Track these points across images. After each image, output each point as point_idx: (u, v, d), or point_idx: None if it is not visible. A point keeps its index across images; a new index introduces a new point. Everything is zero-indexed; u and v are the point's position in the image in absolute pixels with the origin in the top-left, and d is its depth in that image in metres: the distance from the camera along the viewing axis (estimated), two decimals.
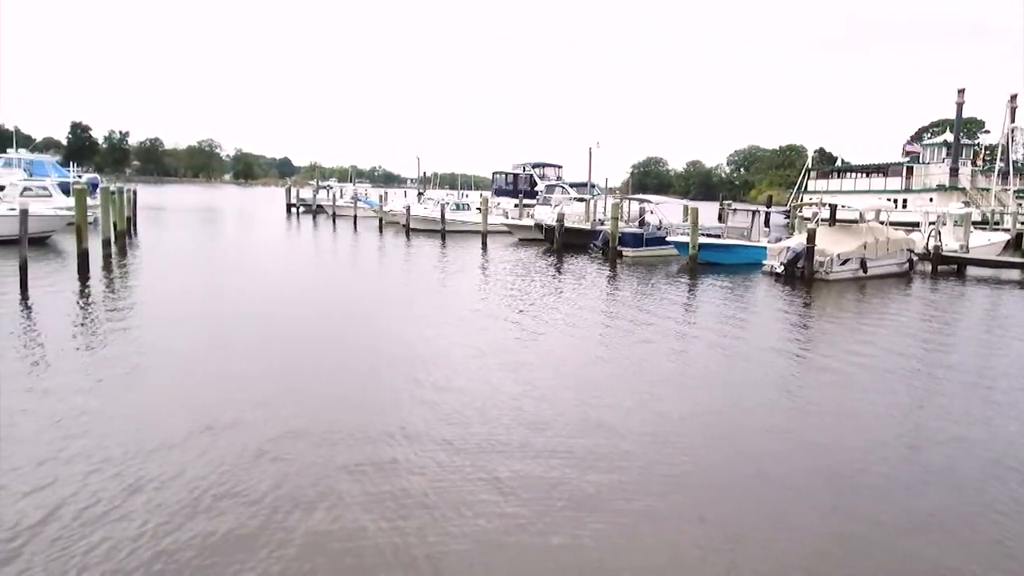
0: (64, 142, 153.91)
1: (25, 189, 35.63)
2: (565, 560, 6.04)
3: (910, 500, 7.43)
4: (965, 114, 59.22)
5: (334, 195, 58.91)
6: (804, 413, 10.21)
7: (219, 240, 38.29)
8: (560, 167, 60.79)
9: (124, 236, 29.41)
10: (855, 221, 28.10)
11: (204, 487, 7.00)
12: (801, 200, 52.21)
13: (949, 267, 27.88)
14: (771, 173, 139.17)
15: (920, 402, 10.90)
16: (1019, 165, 49.82)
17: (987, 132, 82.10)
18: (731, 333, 15.56)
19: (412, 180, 77.49)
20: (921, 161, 57.77)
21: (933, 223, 30.13)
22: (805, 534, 6.66)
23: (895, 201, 50.22)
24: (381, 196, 52.70)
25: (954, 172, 53.77)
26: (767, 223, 32.97)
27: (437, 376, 11.24)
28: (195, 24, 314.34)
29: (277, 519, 6.47)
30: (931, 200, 49.71)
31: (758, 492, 7.49)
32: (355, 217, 48.32)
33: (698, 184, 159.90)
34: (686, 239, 27.54)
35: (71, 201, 26.76)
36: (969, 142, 60.27)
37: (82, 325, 14.45)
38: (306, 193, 66.31)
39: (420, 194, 59.06)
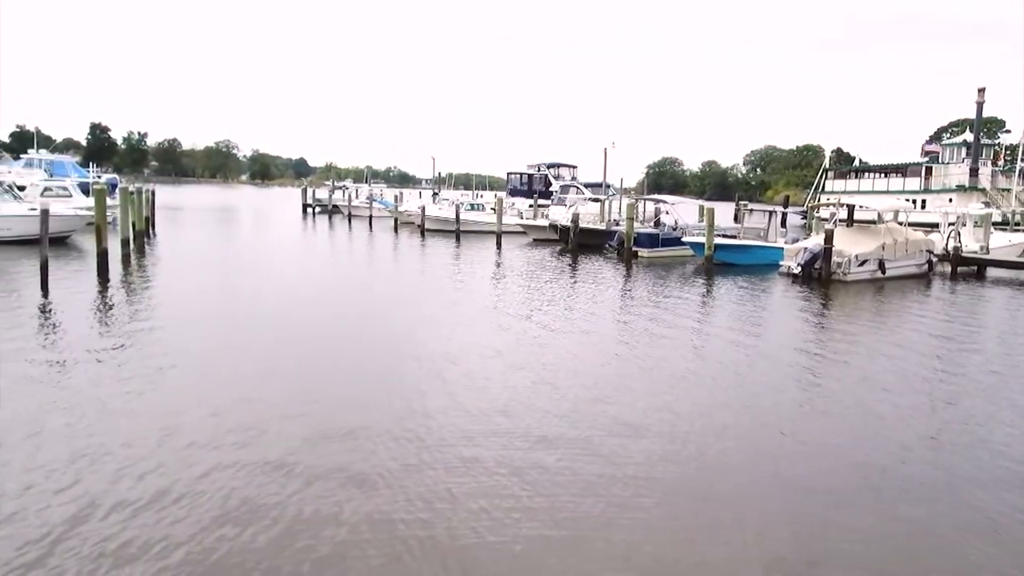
0: (84, 143, 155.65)
1: (46, 189, 36.10)
2: (590, 556, 6.04)
3: (933, 502, 7.35)
4: (985, 113, 58.49)
5: (349, 195, 59.21)
6: (823, 414, 10.13)
7: (236, 240, 38.56)
8: (575, 167, 60.73)
9: (143, 236, 29.78)
10: (873, 222, 27.86)
11: (231, 486, 7.03)
12: (818, 200, 51.84)
13: (969, 268, 27.56)
14: (788, 173, 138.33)
15: (942, 404, 10.77)
16: None
17: (1008, 132, 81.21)
18: (748, 334, 15.46)
19: (427, 180, 77.81)
20: (940, 161, 57.11)
21: (953, 224, 29.79)
22: (824, 535, 6.59)
23: (914, 201, 49.75)
24: (396, 196, 52.95)
25: (974, 172, 53.13)
26: (784, 224, 32.80)
27: (457, 375, 11.26)
28: (213, 26, 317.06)
29: (305, 516, 6.51)
30: (951, 200, 49.17)
31: (777, 493, 7.44)
32: (370, 217, 48.51)
33: (714, 184, 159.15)
34: (702, 239, 27.41)
35: (91, 201, 27.06)
36: (989, 142, 59.52)
37: (103, 324, 14.58)
38: (322, 193, 66.66)
39: (435, 194, 59.23)
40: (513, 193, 55.19)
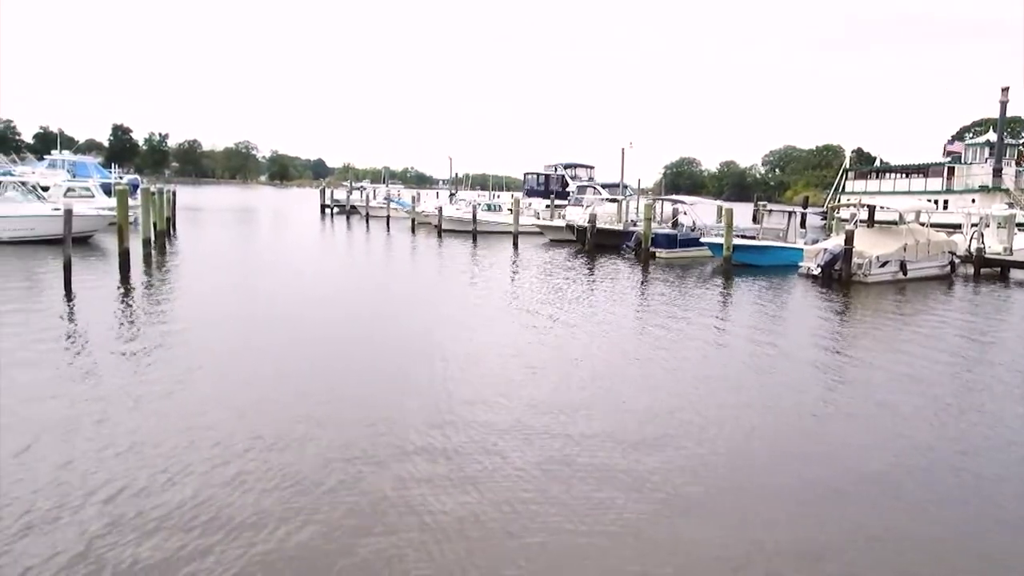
0: (106, 144, 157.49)
1: (69, 190, 36.58)
2: (617, 554, 6.04)
3: (961, 504, 7.27)
4: (1009, 113, 57.62)
5: (367, 196, 59.42)
6: (847, 415, 10.03)
7: (255, 240, 38.87)
8: (592, 168, 60.58)
9: (164, 236, 30.04)
10: (894, 222, 27.54)
11: (260, 487, 7.07)
12: (838, 201, 51.34)
13: (992, 270, 27.18)
14: (807, 173, 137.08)
15: (967, 406, 10.63)
16: None
17: None
18: (769, 335, 15.35)
19: (444, 181, 78.07)
20: (963, 161, 56.33)
21: (975, 225, 29.37)
22: (852, 536, 6.53)
23: (936, 202, 49.10)
24: (413, 197, 53.01)
25: (997, 172, 52.34)
26: (803, 224, 32.46)
27: (479, 375, 11.31)
28: (233, 29, 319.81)
29: (336, 514, 6.57)
30: (973, 201, 48.48)
31: (804, 494, 7.40)
32: (388, 218, 48.68)
33: (732, 185, 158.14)
34: (720, 240, 27.25)
35: (113, 201, 27.34)
36: (1013, 142, 58.56)
37: (126, 324, 14.73)
38: (340, 194, 66.96)
39: (452, 195, 59.31)
40: (530, 194, 55.19)
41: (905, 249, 24.64)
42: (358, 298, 19.36)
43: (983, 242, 27.34)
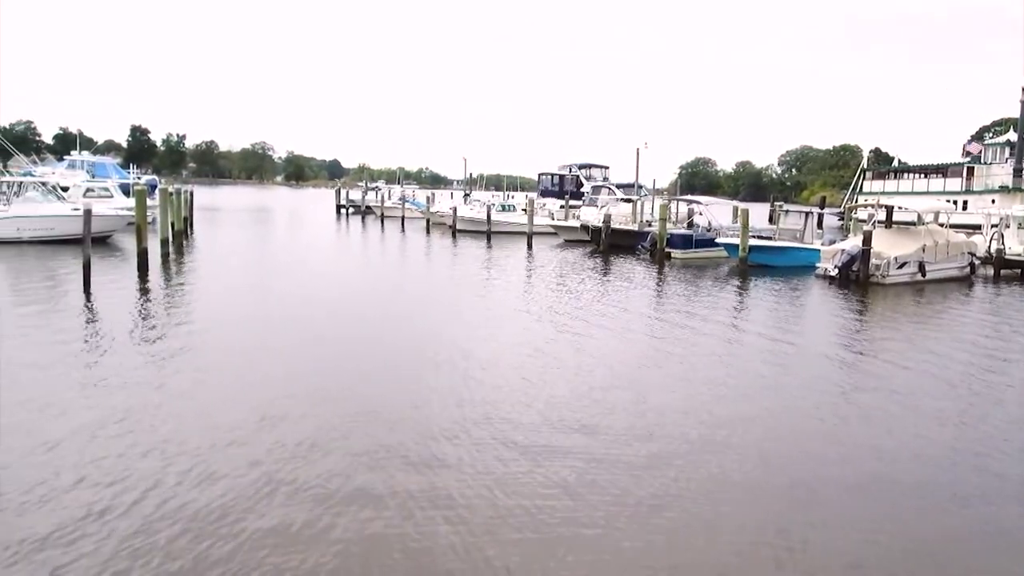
0: (124, 144, 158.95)
1: (88, 190, 37.02)
2: (631, 560, 6.03)
3: (987, 506, 7.21)
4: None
5: (382, 196, 59.62)
6: (868, 418, 9.92)
7: (272, 240, 39.11)
8: (607, 168, 60.48)
9: (181, 236, 30.35)
10: (913, 223, 27.28)
11: (275, 483, 7.11)
12: (856, 201, 50.92)
13: (1013, 271, 26.81)
14: (824, 174, 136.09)
15: (988, 408, 10.50)
16: None
17: None
18: (786, 336, 15.24)
19: (458, 181, 78.20)
20: (982, 161, 55.65)
21: (996, 225, 29.00)
22: (874, 539, 6.46)
23: (955, 202, 48.56)
24: (428, 197, 53.17)
25: (1018, 173, 51.63)
26: (820, 225, 32.23)
27: (496, 375, 11.30)
28: (249, 31, 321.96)
29: (349, 513, 6.60)
30: (993, 202, 47.89)
31: (825, 495, 7.34)
32: (403, 218, 48.85)
33: (747, 185, 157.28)
34: (736, 241, 27.10)
35: (131, 202, 27.65)
36: None
37: (145, 324, 14.83)
38: (355, 194, 67.27)
39: (466, 195, 59.41)
40: (544, 194, 55.19)
41: (924, 250, 24.39)
42: (374, 299, 19.42)
43: (1003, 243, 26.99)
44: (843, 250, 24.45)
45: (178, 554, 5.80)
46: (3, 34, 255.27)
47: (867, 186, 64.12)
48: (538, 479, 7.47)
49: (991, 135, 73.54)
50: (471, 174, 75.78)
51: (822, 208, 43.02)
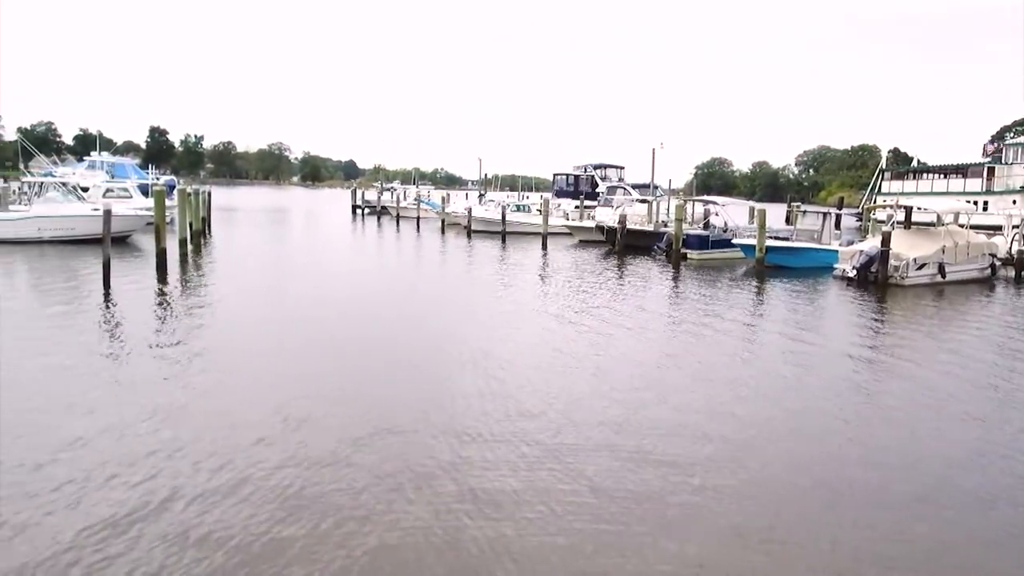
0: (143, 145, 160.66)
1: (107, 190, 37.43)
2: (656, 558, 6.03)
3: (1009, 507, 7.14)
4: None
5: (398, 197, 59.83)
6: (890, 420, 9.82)
7: (288, 240, 39.32)
8: (622, 168, 60.21)
9: (199, 235, 30.59)
10: (932, 224, 26.97)
11: (301, 483, 7.15)
12: (874, 202, 50.43)
13: None
14: (842, 174, 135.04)
15: (1013, 411, 10.36)
16: None
17: None
18: (804, 337, 15.12)
19: (473, 182, 78.21)
20: (1004, 161, 54.91)
21: (1017, 226, 28.62)
22: (899, 542, 6.41)
23: (975, 203, 47.97)
24: (443, 198, 53.23)
25: None
26: (838, 225, 31.94)
27: (514, 376, 11.28)
28: (267, 32, 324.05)
29: (369, 509, 6.64)
30: (1014, 202, 47.25)
31: (848, 497, 7.29)
32: (418, 218, 48.95)
33: (764, 185, 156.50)
34: (753, 241, 26.92)
35: (150, 202, 27.92)
36: None
37: (165, 323, 14.95)
38: (371, 195, 67.54)
39: (481, 196, 59.43)
40: (559, 194, 55.04)
41: (944, 251, 24.10)
42: (391, 299, 19.45)
43: None
44: (861, 251, 24.22)
45: (207, 554, 5.83)
46: (25, 37, 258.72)
47: (886, 186, 63.44)
48: (562, 478, 7.47)
49: (1012, 135, 72.64)
50: (486, 174, 75.82)
51: (840, 209, 42.57)
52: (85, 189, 35.32)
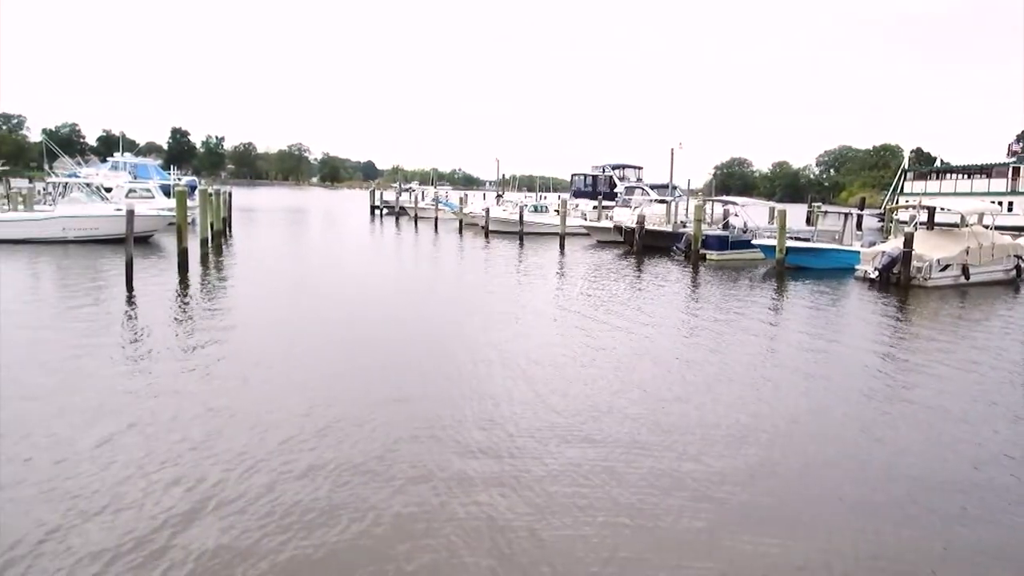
0: (165, 146, 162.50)
1: (130, 191, 37.83)
2: (677, 554, 6.05)
3: None
4: None
5: (416, 197, 60.03)
6: (913, 423, 9.71)
7: (308, 240, 39.58)
8: (640, 168, 60.02)
9: (220, 236, 30.89)
10: (956, 225, 26.59)
11: (329, 484, 7.18)
12: (897, 202, 49.84)
13: None
14: (864, 174, 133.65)
15: None
16: None
17: None
18: (825, 339, 14.98)
19: (491, 182, 78.22)
20: None
21: None
22: (911, 545, 6.34)
23: (1000, 203, 47.27)
24: (461, 198, 53.33)
25: None
26: (859, 226, 31.58)
27: (536, 374, 11.29)
28: (287, 34, 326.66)
29: (398, 509, 6.68)
30: None
31: (862, 500, 7.21)
32: (436, 219, 49.05)
33: (784, 186, 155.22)
34: (773, 242, 26.71)
35: (172, 202, 28.20)
36: None
37: (188, 323, 15.07)
38: (389, 196, 67.79)
39: (499, 196, 59.45)
40: (577, 195, 54.91)
41: (967, 252, 23.76)
42: (410, 300, 19.50)
43: None
44: (883, 252, 23.96)
45: (232, 548, 5.88)
46: (50, 40, 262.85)
47: (908, 187, 62.77)
48: (579, 479, 7.47)
49: None
50: (504, 175, 75.90)
51: (862, 209, 42.14)
52: (108, 190, 35.74)
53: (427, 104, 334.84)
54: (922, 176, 64.99)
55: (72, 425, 8.50)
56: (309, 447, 8.06)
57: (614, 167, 58.68)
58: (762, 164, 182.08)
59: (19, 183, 44.73)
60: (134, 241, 19.10)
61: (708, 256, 29.55)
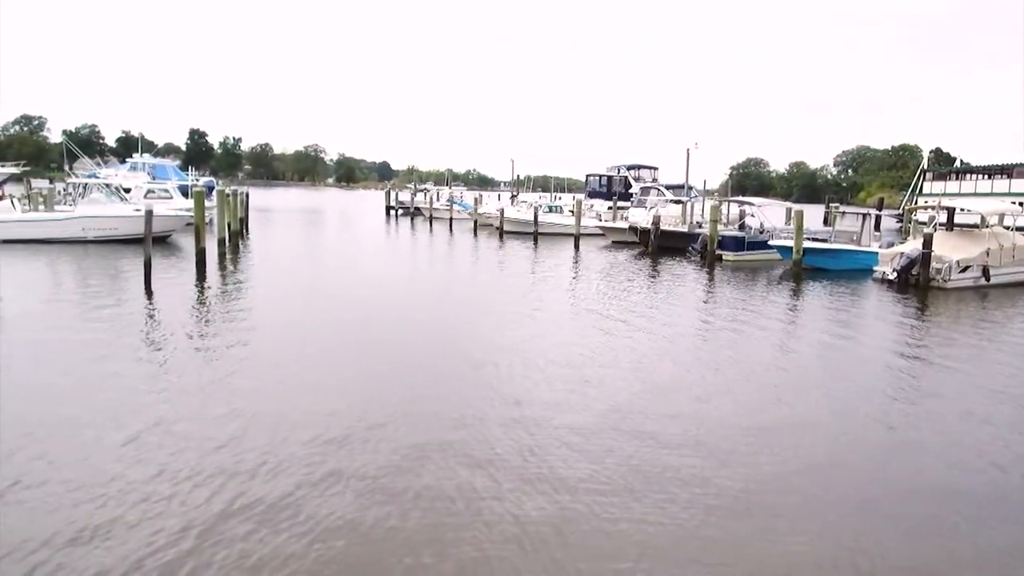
0: (183, 147, 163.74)
1: (149, 191, 38.22)
2: (696, 561, 6.02)
3: None
4: None
5: (431, 198, 60.16)
6: (934, 426, 9.62)
7: (324, 240, 39.77)
8: (656, 168, 59.80)
9: (238, 236, 31.09)
10: (976, 226, 26.27)
11: (346, 479, 7.23)
12: (916, 203, 49.36)
13: None
14: (882, 174, 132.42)
15: None
16: None
17: None
18: (845, 341, 14.88)
19: (506, 183, 78.34)
20: None
21: None
22: (941, 548, 6.30)
23: (1021, 204, 46.65)
24: (475, 199, 53.37)
25: None
26: (878, 227, 31.28)
27: (552, 377, 11.25)
28: (304, 36, 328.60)
29: (419, 509, 6.68)
30: None
31: (894, 503, 7.18)
32: (451, 219, 49.13)
33: (801, 186, 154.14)
34: (790, 243, 26.52)
35: (190, 203, 28.42)
36: None
37: (206, 323, 15.16)
38: (404, 196, 67.97)
39: (513, 197, 59.45)
40: (592, 195, 54.78)
41: (988, 254, 23.47)
42: (426, 300, 19.52)
43: None
44: (902, 253, 23.71)
45: (254, 546, 5.92)
46: (71, 42, 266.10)
47: (928, 187, 62.13)
48: (602, 479, 7.48)
49: None
50: (518, 175, 75.97)
51: (880, 210, 41.79)
52: (127, 190, 36.07)
53: (442, 105, 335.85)
54: (941, 176, 64.31)
55: (93, 422, 8.58)
56: (334, 448, 8.05)
57: (629, 167, 58.49)
58: (779, 164, 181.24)
59: (40, 183, 45.16)
60: (152, 241, 19.26)
61: (724, 257, 29.39)
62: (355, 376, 11.04)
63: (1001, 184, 55.11)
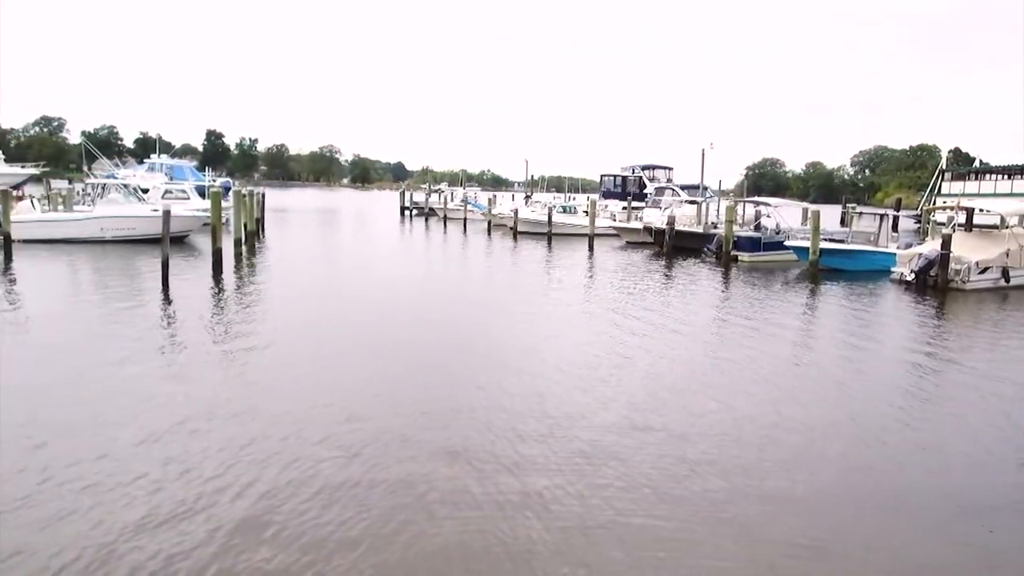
0: (200, 148, 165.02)
1: (166, 192, 38.56)
2: (715, 564, 5.98)
3: None
4: None
5: (445, 198, 60.26)
6: (955, 428, 9.55)
7: (339, 241, 39.94)
8: (670, 169, 59.54)
9: (254, 236, 31.28)
10: (996, 226, 25.96)
11: (365, 482, 7.24)
12: (934, 203, 48.83)
13: None
14: (900, 175, 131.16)
15: None
16: None
17: None
18: (862, 342, 14.75)
19: (520, 183, 78.38)
20: None
21: None
22: (959, 551, 6.22)
23: None
24: (490, 199, 53.40)
25: None
26: (895, 227, 30.98)
27: (569, 378, 11.24)
28: (320, 38, 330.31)
29: (443, 511, 6.69)
30: None
31: (915, 505, 7.14)
32: (465, 220, 49.19)
33: (818, 186, 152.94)
34: (806, 243, 26.33)
35: (207, 203, 28.67)
36: None
37: (222, 323, 15.26)
38: (419, 197, 68.14)
39: (527, 197, 59.43)
40: (606, 195, 54.65)
41: (1008, 255, 23.18)
42: (440, 301, 19.53)
43: None
44: (920, 254, 23.48)
45: (280, 547, 5.95)
46: (90, 45, 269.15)
47: (946, 187, 61.42)
48: (623, 480, 7.46)
49: None
50: (532, 176, 75.96)
51: (898, 210, 41.37)
52: (145, 191, 36.40)
53: (457, 105, 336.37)
54: (960, 176, 63.54)
55: (117, 421, 8.66)
56: (353, 450, 8.06)
57: (644, 168, 58.29)
58: (795, 164, 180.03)
59: (59, 184, 45.73)
60: (170, 241, 19.44)
61: (740, 258, 29.24)
62: (370, 377, 11.06)
63: (1021, 184, 54.35)
